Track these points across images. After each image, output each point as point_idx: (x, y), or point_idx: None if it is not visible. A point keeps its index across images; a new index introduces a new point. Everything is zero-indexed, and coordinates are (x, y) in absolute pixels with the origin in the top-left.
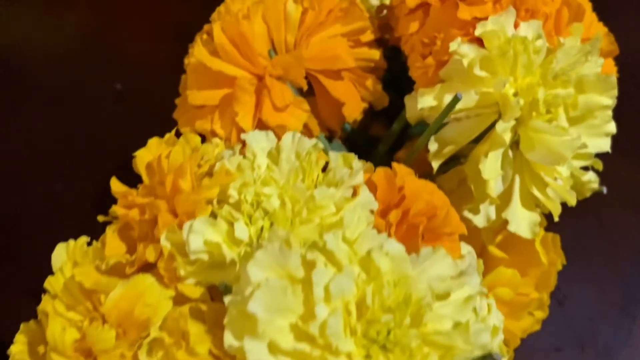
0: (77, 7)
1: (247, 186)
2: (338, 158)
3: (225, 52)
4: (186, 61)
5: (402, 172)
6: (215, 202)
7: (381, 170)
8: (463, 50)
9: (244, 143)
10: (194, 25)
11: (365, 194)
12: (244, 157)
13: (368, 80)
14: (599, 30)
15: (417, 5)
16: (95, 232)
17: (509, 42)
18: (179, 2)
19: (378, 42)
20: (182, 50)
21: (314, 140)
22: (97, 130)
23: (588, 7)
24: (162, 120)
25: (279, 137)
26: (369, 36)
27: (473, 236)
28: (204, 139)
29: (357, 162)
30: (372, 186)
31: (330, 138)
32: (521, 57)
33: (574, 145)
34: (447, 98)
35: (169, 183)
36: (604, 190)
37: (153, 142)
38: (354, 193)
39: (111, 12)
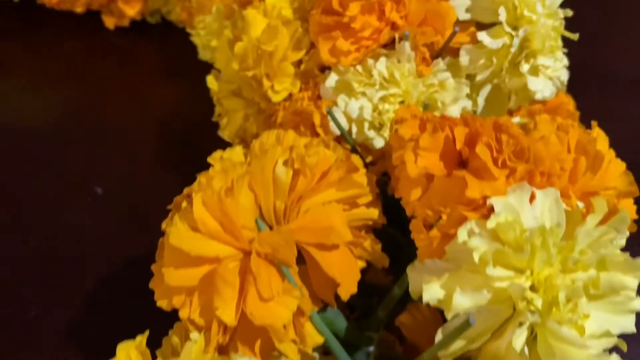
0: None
1: None
2: None
3: (206, 227)
4: (163, 226)
5: None
6: None
7: None
8: (474, 243)
9: None
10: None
11: None
12: None
13: (366, 242)
14: (618, 168)
15: (419, 175)
16: None
17: (526, 237)
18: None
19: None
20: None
21: None
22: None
23: (605, 147)
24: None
25: None
26: (367, 198)
27: None
28: None
29: None
30: None
31: (325, 305)
32: (539, 252)
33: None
34: (458, 297)
35: None
36: None
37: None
38: None
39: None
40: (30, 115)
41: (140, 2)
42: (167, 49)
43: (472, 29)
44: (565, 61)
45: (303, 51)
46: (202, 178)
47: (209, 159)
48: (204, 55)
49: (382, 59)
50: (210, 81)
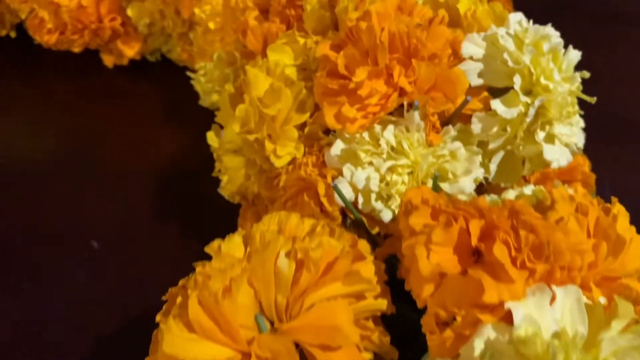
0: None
1: None
2: None
3: (201, 328)
4: (158, 319)
5: None
6: None
7: None
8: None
9: None
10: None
11: None
12: None
13: (374, 334)
14: (639, 248)
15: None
16: None
17: (548, 347)
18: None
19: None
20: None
21: None
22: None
23: (625, 226)
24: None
25: None
26: (374, 291)
27: None
28: None
29: None
30: None
31: None
32: None
33: None
34: None
35: None
36: None
37: None
38: None
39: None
40: (24, 160)
41: (139, 42)
42: (168, 89)
43: (485, 93)
44: (581, 123)
45: (307, 113)
46: (199, 276)
47: (207, 249)
48: (204, 101)
49: (390, 127)
50: (211, 138)
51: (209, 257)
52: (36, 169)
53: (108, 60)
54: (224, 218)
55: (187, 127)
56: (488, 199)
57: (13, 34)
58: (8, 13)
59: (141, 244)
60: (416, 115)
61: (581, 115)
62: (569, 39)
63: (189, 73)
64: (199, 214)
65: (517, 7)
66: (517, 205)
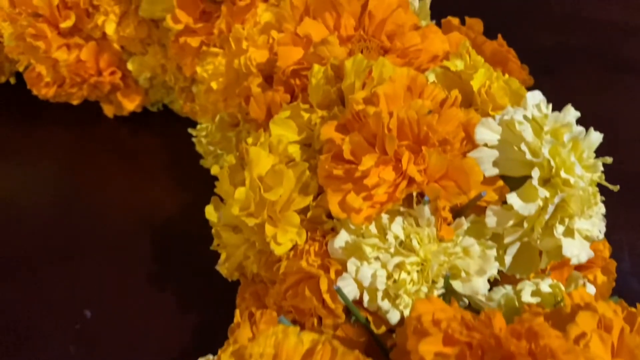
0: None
1: None
2: None
3: None
4: None
5: None
6: None
7: None
8: None
9: None
10: None
11: None
12: None
13: None
14: None
15: None
16: None
17: None
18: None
19: None
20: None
21: None
22: None
23: None
24: None
25: None
26: None
27: None
28: None
29: None
30: None
31: None
32: None
33: None
34: None
35: None
36: None
37: None
38: None
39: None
40: (18, 216)
41: (140, 95)
42: (170, 141)
43: (500, 182)
44: (603, 209)
45: (310, 197)
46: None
47: None
48: (206, 162)
49: (399, 220)
50: (209, 212)
51: (205, 336)
52: (29, 224)
53: (108, 111)
54: (223, 291)
55: (188, 183)
56: (502, 292)
57: (13, 80)
58: (7, 62)
59: (135, 315)
60: (426, 209)
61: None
62: (581, 86)
63: (190, 130)
64: (197, 285)
65: (530, 54)
66: (536, 326)
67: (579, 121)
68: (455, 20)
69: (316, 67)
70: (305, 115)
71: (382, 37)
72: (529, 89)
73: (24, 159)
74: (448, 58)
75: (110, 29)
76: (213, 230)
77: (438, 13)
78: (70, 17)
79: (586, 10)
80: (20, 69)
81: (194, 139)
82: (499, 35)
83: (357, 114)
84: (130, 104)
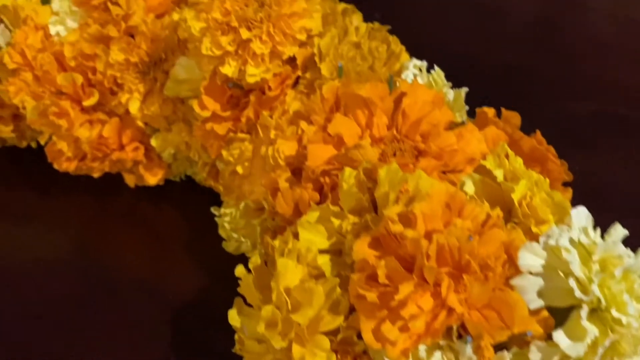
0: None
1: None
2: None
3: None
4: None
5: None
6: None
7: None
8: None
9: None
10: None
11: None
12: None
13: None
14: None
15: None
16: None
17: None
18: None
19: None
20: None
21: None
22: None
23: None
24: None
25: None
26: None
27: None
28: None
29: None
30: None
31: None
32: None
33: None
34: None
35: None
36: None
37: None
38: None
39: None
40: (31, 286)
41: (163, 169)
42: (192, 214)
43: (545, 313)
44: None
45: (341, 317)
46: None
47: None
48: (228, 246)
49: (437, 356)
50: (233, 317)
51: None
52: (41, 295)
53: (130, 180)
54: None
55: (209, 261)
56: None
57: (34, 144)
58: (29, 129)
59: None
60: (468, 348)
61: None
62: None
63: (214, 210)
64: None
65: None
66: None
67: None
68: (490, 112)
69: (348, 171)
70: (336, 222)
71: (416, 138)
72: (567, 184)
73: (39, 226)
74: (485, 157)
75: (134, 107)
76: (236, 336)
77: (472, 101)
78: (94, 94)
79: (624, 76)
80: (42, 142)
81: (216, 219)
82: (538, 132)
83: (392, 234)
84: (153, 178)
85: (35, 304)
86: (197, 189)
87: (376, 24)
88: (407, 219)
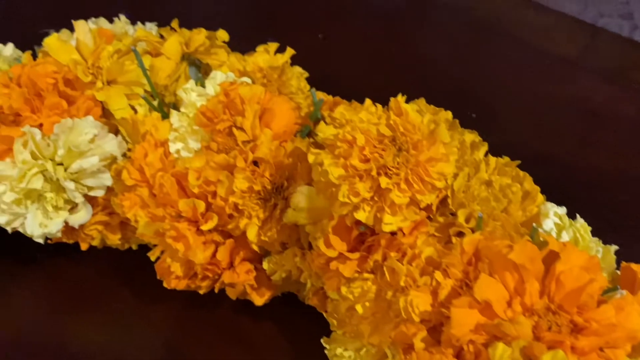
0: None
1: None
2: None
3: None
4: None
5: None
6: None
7: None
8: None
9: None
10: None
11: None
12: None
13: None
14: None
15: None
16: None
17: None
18: None
19: None
20: None
21: None
22: None
23: None
24: None
25: None
26: None
27: None
28: None
29: None
30: None
31: None
32: None
33: None
34: None
35: None
36: None
37: None
38: None
39: None
40: None
41: (271, 290)
42: (293, 335)
43: None
44: None
45: None
46: None
47: None
48: None
49: None
50: None
51: None
52: None
53: (232, 293)
54: None
55: None
56: None
57: (135, 247)
58: (134, 236)
59: None
60: None
61: None
62: None
63: (324, 342)
64: None
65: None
66: None
67: None
68: (637, 268)
69: (501, 347)
70: None
71: (572, 310)
72: None
73: (132, 329)
74: None
75: (252, 233)
76: None
77: None
78: (213, 218)
79: None
80: (152, 259)
81: (327, 352)
82: None
83: None
84: (260, 299)
85: None
86: (301, 308)
87: (506, 158)
88: None
